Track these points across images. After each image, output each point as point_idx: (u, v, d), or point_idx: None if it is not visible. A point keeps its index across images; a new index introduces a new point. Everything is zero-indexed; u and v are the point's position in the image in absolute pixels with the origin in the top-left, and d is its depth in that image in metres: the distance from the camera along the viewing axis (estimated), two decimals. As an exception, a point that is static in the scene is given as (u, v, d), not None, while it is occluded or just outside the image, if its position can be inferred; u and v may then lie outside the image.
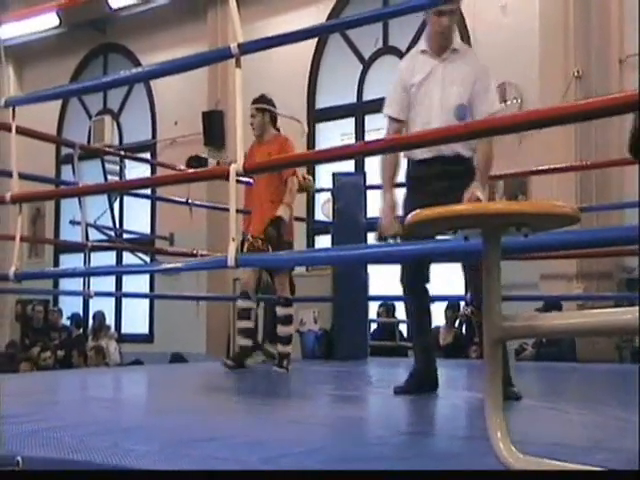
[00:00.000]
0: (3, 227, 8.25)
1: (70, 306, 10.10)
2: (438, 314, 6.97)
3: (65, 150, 9.72)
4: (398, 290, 3.35)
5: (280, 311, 4.63)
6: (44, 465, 1.77)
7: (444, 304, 6.93)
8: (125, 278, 9.47)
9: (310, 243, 8.31)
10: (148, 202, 9.11)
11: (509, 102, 7.41)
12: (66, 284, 9.35)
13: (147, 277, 9.34)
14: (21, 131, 3.18)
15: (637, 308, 1.21)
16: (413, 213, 1.43)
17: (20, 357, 8.08)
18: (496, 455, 1.34)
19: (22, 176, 3.08)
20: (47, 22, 10.03)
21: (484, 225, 1.38)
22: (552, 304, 5.89)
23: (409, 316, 3.55)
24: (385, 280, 6.83)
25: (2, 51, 3.09)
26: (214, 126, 9.02)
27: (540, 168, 5.99)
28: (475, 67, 3.20)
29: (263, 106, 4.67)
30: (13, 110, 2.96)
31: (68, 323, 9.86)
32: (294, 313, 4.78)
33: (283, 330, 4.63)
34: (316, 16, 8.38)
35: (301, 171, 6.29)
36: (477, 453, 1.66)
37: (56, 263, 10.39)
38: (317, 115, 8.99)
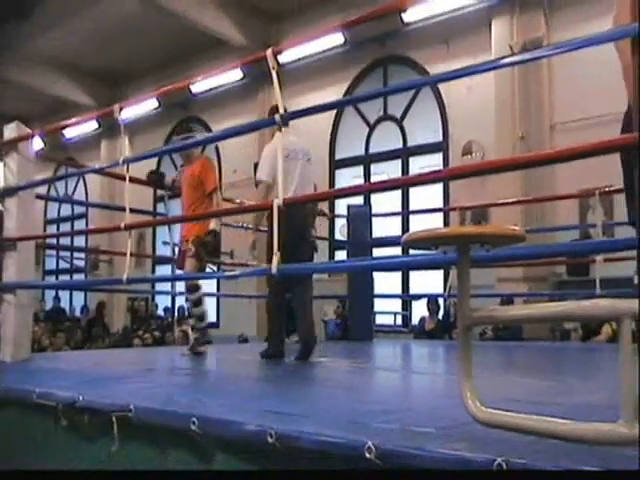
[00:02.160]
0: (118, 247, 8.30)
1: (162, 301, 10.23)
2: (422, 307, 6.92)
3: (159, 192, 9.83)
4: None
5: (190, 296, 3.82)
6: (147, 413, 1.73)
7: (425, 300, 6.86)
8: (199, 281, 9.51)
9: (331, 256, 8.31)
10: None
11: (474, 155, 7.49)
12: (160, 285, 9.43)
13: (215, 281, 9.37)
14: (131, 179, 3.23)
15: (566, 303, 1.22)
16: (409, 234, 1.40)
17: (132, 336, 8.27)
18: (466, 409, 1.30)
19: (131, 210, 3.13)
20: (149, 105, 10.41)
21: (458, 243, 1.37)
22: (506, 300, 5.83)
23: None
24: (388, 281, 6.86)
25: (122, 128, 3.20)
26: (262, 173, 9.08)
27: (497, 202, 6.12)
28: None
29: (187, 135, 4.08)
30: (127, 166, 3.03)
31: (162, 313, 10.01)
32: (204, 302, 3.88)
33: (197, 310, 3.80)
34: (335, 93, 8.48)
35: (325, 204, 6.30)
36: (451, 407, 1.62)
37: (153, 271, 10.51)
38: (336, 163, 9.07)
